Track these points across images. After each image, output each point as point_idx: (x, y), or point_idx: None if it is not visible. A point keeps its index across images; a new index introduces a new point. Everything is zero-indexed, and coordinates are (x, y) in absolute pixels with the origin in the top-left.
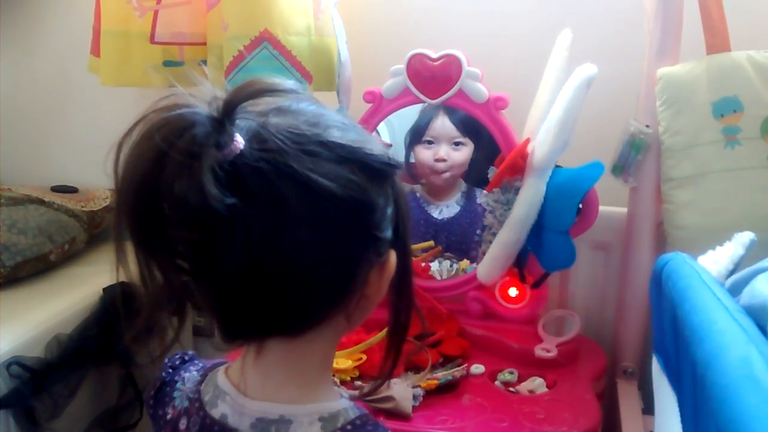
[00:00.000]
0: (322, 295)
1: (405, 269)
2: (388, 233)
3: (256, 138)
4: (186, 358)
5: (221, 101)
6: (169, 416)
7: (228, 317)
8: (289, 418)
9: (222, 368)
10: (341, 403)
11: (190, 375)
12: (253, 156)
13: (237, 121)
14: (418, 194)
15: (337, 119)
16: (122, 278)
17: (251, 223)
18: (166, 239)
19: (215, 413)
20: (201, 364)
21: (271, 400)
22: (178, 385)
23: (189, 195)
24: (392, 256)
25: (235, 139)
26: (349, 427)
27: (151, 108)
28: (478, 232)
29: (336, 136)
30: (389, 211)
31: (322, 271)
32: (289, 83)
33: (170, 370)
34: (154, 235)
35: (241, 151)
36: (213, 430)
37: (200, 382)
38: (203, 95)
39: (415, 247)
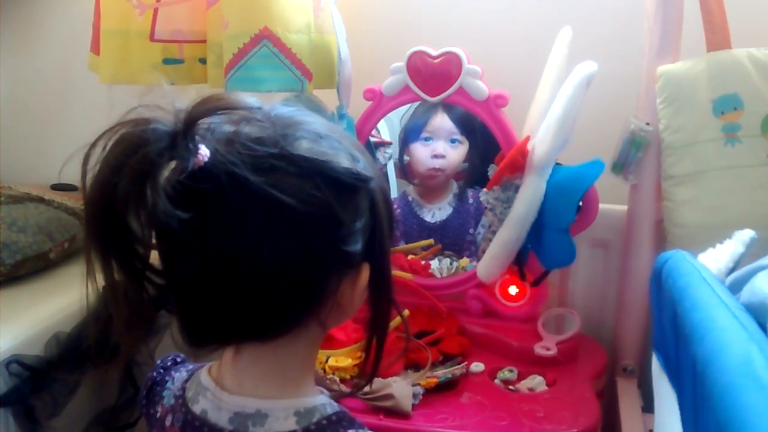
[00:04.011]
0: (286, 305)
1: (381, 280)
2: (357, 246)
3: (220, 150)
4: (178, 360)
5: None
6: (158, 414)
7: (190, 324)
8: (265, 412)
9: (206, 366)
10: (319, 399)
11: (180, 375)
12: (215, 169)
13: (211, 130)
14: (410, 198)
15: (312, 129)
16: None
17: (209, 236)
18: (127, 247)
19: (196, 409)
20: (191, 366)
21: (249, 395)
22: (168, 384)
23: (142, 211)
24: (367, 267)
25: (199, 151)
26: (324, 422)
27: (118, 121)
28: (470, 230)
29: (303, 148)
30: (359, 224)
31: (284, 284)
32: (251, 100)
33: (161, 371)
34: (117, 246)
35: (204, 163)
36: (194, 426)
37: (186, 380)
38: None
39: (414, 245)
